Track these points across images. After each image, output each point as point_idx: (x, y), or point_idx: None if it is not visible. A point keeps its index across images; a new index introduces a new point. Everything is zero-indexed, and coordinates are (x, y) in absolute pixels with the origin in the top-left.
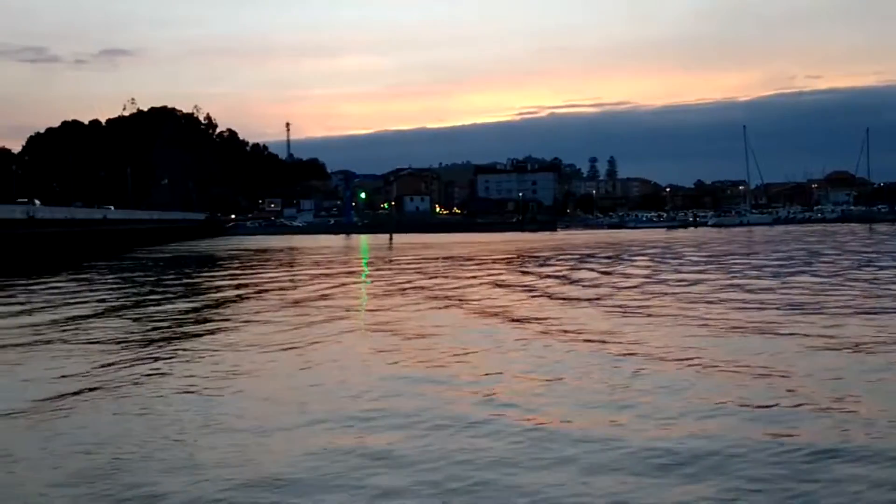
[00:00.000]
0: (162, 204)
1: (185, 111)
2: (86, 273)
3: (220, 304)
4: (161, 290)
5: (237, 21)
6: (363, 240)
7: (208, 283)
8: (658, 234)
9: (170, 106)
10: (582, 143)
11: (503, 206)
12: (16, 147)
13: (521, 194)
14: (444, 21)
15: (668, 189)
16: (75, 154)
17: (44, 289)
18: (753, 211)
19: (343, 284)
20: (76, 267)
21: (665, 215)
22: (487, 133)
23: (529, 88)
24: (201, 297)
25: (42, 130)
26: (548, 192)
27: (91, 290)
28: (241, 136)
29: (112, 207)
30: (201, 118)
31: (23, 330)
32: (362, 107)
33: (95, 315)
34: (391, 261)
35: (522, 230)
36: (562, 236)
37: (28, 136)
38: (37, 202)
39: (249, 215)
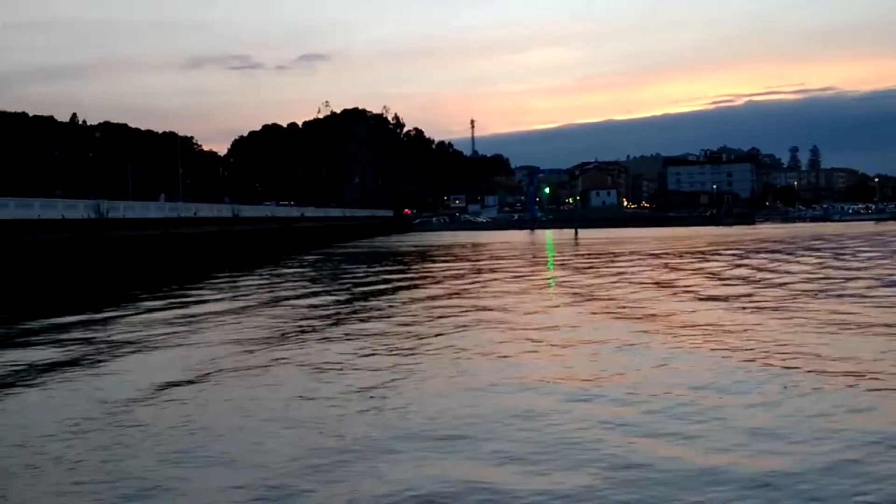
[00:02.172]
0: (353, 201)
1: (374, 112)
2: (290, 267)
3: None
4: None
5: (427, 22)
6: (548, 235)
7: (423, 272)
8: (867, 227)
9: (361, 107)
10: (782, 132)
11: (695, 199)
12: (222, 150)
13: (715, 186)
14: (636, 10)
15: (876, 179)
16: (275, 155)
17: (250, 283)
18: None
19: (530, 287)
20: (276, 261)
21: (873, 207)
22: (679, 123)
23: (725, 76)
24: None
25: (245, 134)
26: (744, 183)
27: (297, 283)
28: (427, 135)
29: (311, 207)
30: (390, 118)
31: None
32: (549, 101)
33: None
34: (577, 256)
35: (718, 224)
36: (761, 230)
37: (233, 139)
38: (225, 200)
39: (435, 212)
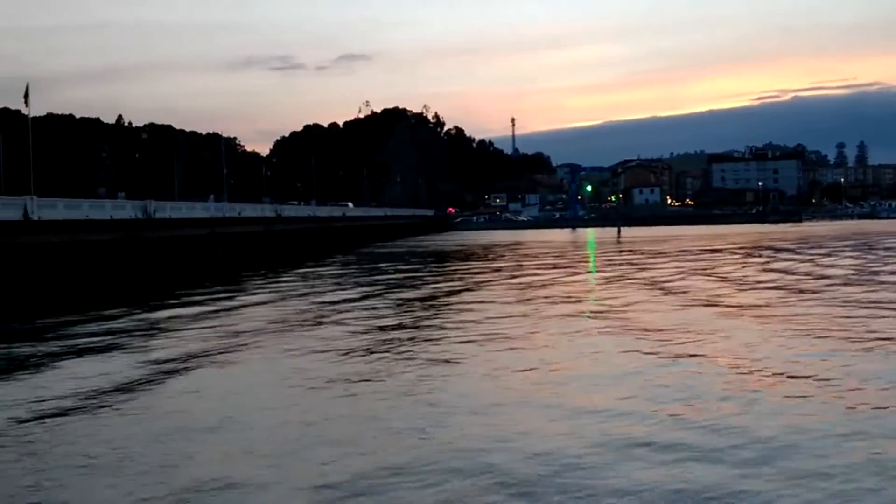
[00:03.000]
0: (393, 201)
1: (414, 111)
2: (330, 265)
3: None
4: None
5: (467, 21)
6: (590, 234)
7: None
8: None
9: (401, 106)
10: (829, 128)
11: (741, 196)
12: (265, 150)
13: (760, 184)
14: (680, 5)
15: None
16: (316, 155)
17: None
18: None
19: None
20: (318, 259)
21: None
22: (723, 120)
23: (771, 71)
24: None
25: (287, 134)
26: (790, 180)
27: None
28: (467, 133)
29: (350, 204)
30: (430, 117)
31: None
32: (590, 98)
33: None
34: (622, 253)
35: (763, 222)
36: (807, 227)
37: (275, 139)
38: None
39: (475, 211)
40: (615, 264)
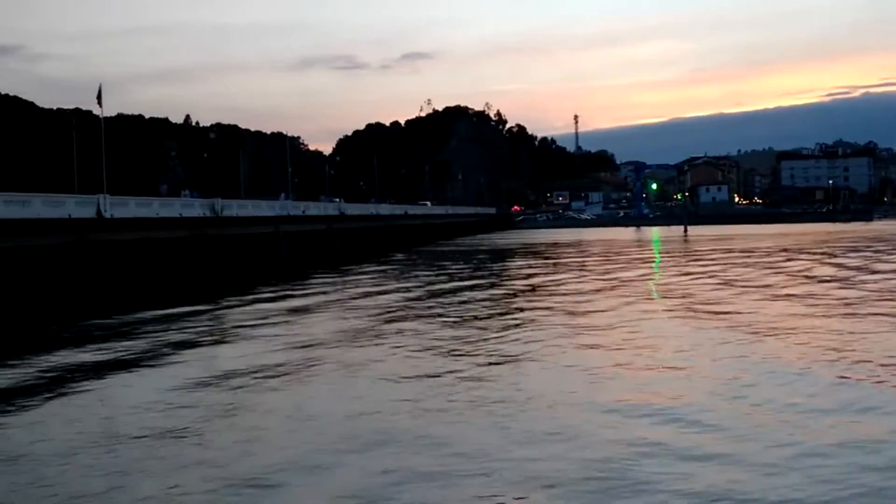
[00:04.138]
0: (455, 199)
1: (476, 109)
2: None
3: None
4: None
5: (529, 17)
6: (655, 232)
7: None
8: None
9: (463, 105)
10: None
11: (810, 194)
12: (327, 149)
13: (830, 182)
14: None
15: None
16: (378, 154)
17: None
18: None
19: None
20: (380, 257)
21: None
22: (792, 116)
23: (841, 67)
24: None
25: (350, 133)
26: (861, 178)
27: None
28: (529, 131)
29: (429, 203)
30: (492, 115)
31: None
32: (655, 95)
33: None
34: (689, 253)
35: (833, 220)
36: (879, 226)
37: (338, 138)
38: (341, 200)
39: (538, 209)
40: (690, 261)
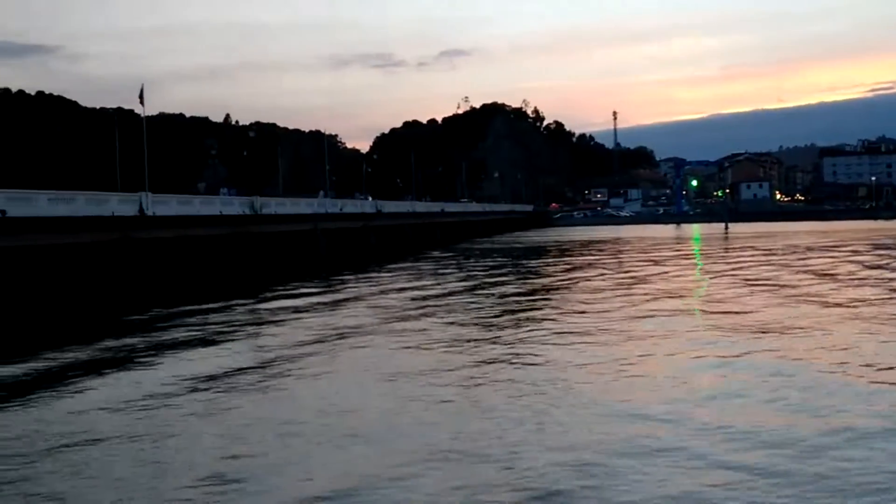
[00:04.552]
0: (492, 196)
1: (513, 106)
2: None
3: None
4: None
5: (566, 14)
6: (695, 229)
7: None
8: None
9: (500, 102)
10: None
11: (853, 191)
12: (364, 147)
13: (874, 178)
14: None
15: None
16: (415, 151)
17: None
18: None
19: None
20: (417, 254)
21: None
22: (834, 112)
23: (884, 61)
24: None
25: (386, 131)
26: None
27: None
28: (567, 128)
29: (468, 200)
30: (529, 112)
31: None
32: (695, 90)
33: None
34: (728, 250)
35: (875, 218)
36: None
37: (375, 136)
38: (369, 197)
39: (576, 206)
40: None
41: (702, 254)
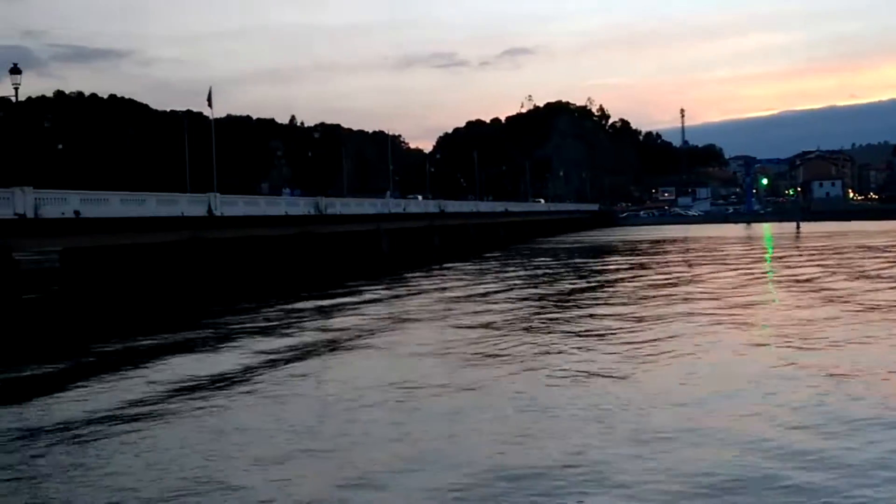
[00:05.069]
0: (556, 196)
1: (578, 104)
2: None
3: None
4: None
5: (632, 10)
6: (766, 229)
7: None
8: None
9: (564, 100)
10: None
11: None
12: (428, 146)
13: None
14: None
15: None
16: (478, 150)
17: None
18: None
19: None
20: (481, 253)
21: None
22: None
23: None
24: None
25: (450, 130)
26: None
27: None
28: (633, 126)
29: (542, 201)
30: (594, 110)
31: None
32: (764, 87)
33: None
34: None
35: None
36: None
37: (438, 136)
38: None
39: (642, 205)
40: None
41: (773, 258)
